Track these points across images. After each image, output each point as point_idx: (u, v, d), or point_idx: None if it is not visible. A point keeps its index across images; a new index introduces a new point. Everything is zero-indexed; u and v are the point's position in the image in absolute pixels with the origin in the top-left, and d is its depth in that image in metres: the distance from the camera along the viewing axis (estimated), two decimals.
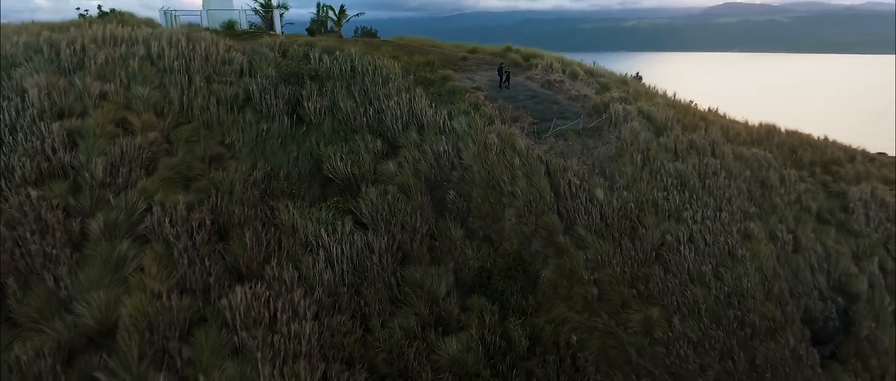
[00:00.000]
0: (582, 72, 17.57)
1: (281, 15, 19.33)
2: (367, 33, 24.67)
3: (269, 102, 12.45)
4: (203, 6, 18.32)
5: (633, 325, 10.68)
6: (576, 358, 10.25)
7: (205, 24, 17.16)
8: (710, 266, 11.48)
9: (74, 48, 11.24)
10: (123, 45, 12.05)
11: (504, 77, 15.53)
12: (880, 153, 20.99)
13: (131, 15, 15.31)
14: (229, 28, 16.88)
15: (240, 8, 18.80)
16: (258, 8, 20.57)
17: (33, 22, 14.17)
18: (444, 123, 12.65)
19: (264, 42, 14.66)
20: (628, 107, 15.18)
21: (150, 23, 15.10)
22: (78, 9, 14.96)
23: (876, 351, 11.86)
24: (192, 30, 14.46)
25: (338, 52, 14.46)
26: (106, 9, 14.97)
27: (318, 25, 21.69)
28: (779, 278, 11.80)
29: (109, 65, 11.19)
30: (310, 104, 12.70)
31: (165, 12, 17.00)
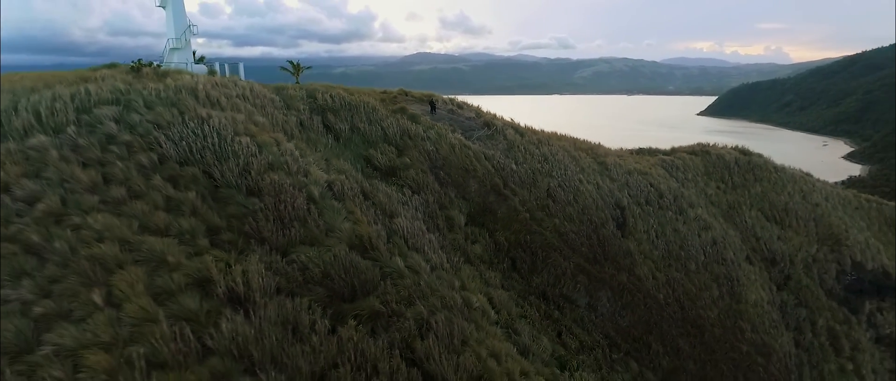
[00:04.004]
0: (465, 104, 26.24)
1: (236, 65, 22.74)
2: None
3: (315, 126, 17.54)
4: (166, 60, 20.72)
5: (550, 229, 19.53)
6: (531, 247, 18.51)
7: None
8: (571, 196, 21.26)
9: (203, 90, 14.47)
10: (225, 88, 15.51)
11: (433, 107, 23.00)
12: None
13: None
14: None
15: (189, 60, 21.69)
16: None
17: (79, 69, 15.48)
18: (424, 134, 19.65)
19: (278, 86, 19.07)
20: (498, 122, 24.49)
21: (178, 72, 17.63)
22: (135, 61, 16.44)
23: (637, 230, 23.28)
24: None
25: (330, 93, 19.93)
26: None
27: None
28: (598, 200, 22.34)
29: (232, 101, 14.83)
30: (337, 126, 18.20)
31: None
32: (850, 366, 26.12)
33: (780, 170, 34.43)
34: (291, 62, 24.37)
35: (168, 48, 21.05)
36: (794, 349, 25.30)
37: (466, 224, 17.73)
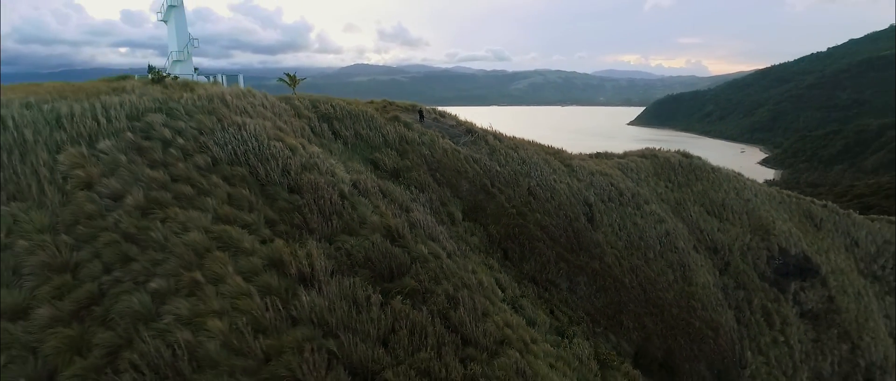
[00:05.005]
0: (445, 113, 28.24)
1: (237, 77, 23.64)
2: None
3: (324, 132, 18.95)
4: (169, 71, 21.39)
5: (533, 223, 21.80)
6: (519, 239, 20.67)
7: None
8: (548, 194, 23.69)
9: (231, 100, 15.54)
10: (246, 98, 16.60)
11: (421, 115, 24.81)
12: None
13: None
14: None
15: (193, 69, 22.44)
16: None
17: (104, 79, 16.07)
18: (419, 140, 21.45)
19: (284, 96, 20.25)
20: (479, 129, 26.67)
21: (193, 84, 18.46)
22: (154, 72, 17.01)
23: (603, 224, 26.05)
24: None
25: (331, 102, 21.35)
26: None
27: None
28: (570, 197, 24.92)
29: (256, 109, 15.99)
30: (344, 133, 19.69)
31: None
32: (781, 338, 30.03)
33: (716, 170, 38.71)
34: (288, 74, 25.52)
35: (171, 61, 21.73)
36: (736, 324, 28.85)
37: (463, 219, 19.68)
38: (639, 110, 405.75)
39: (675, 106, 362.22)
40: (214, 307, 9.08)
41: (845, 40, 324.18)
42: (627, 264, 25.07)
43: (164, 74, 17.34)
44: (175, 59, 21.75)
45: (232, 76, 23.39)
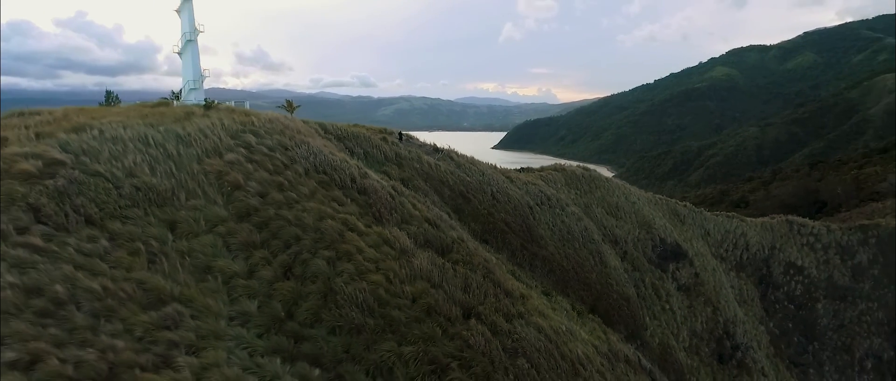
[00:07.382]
0: (411, 136, 32.43)
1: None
2: None
3: (344, 149, 22.34)
4: (184, 98, 22.87)
5: (500, 221, 26.96)
6: (493, 233, 25.67)
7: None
8: (505, 198, 29.10)
9: (287, 122, 18.25)
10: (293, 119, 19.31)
11: (400, 137, 28.75)
12: None
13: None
14: None
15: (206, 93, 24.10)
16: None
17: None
18: (408, 155, 25.58)
19: (296, 118, 23.03)
20: (442, 149, 31.42)
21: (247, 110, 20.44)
22: (207, 99, 18.48)
23: (541, 222, 32.14)
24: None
25: (335, 124, 24.61)
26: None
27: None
28: (519, 200, 30.61)
29: (303, 130, 18.90)
30: (356, 150, 23.21)
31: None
32: (667, 306, 38.55)
33: (608, 180, 47.63)
34: (287, 101, 27.86)
35: (187, 89, 23.20)
36: (637, 297, 36.67)
37: (452, 218, 24.22)
38: (500, 135, 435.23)
39: (533, 131, 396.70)
40: (369, 268, 12.73)
41: (667, 74, 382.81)
42: (563, 253, 31.34)
43: (211, 102, 19.54)
44: (191, 88, 23.28)
45: (239, 102, 25.30)
